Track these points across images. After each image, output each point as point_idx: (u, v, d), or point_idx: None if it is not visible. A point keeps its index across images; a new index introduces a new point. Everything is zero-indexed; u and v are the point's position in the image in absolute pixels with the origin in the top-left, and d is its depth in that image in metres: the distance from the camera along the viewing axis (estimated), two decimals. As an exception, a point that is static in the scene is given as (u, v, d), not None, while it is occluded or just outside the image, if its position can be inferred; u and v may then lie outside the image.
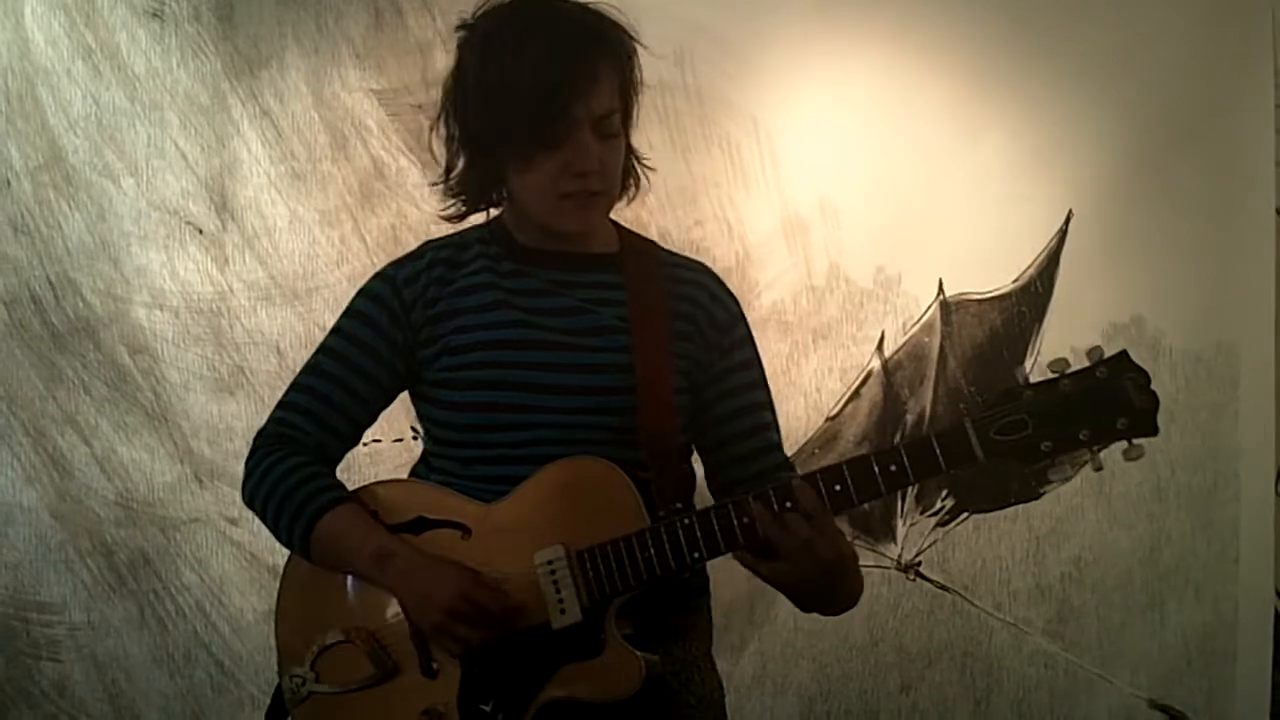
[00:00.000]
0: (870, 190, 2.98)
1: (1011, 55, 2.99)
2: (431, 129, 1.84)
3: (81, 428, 2.82)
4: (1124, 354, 1.58)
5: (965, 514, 2.99)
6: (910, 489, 2.95)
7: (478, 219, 1.89)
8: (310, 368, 1.87)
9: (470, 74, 1.76)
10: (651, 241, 1.95)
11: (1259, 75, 3.07)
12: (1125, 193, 3.02)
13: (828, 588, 1.67)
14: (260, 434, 1.87)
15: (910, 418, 2.97)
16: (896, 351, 2.99)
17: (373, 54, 2.85)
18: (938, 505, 2.98)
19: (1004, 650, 3.00)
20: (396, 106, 2.85)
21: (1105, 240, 3.02)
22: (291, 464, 1.81)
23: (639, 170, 1.88)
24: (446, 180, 1.85)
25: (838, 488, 1.62)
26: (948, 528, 2.99)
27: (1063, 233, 3.01)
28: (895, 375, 2.98)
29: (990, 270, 3.01)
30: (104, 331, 2.81)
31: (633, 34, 1.80)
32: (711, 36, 2.94)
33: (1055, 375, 1.59)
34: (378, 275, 1.88)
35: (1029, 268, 3.01)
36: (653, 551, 1.64)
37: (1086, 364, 1.58)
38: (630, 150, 1.84)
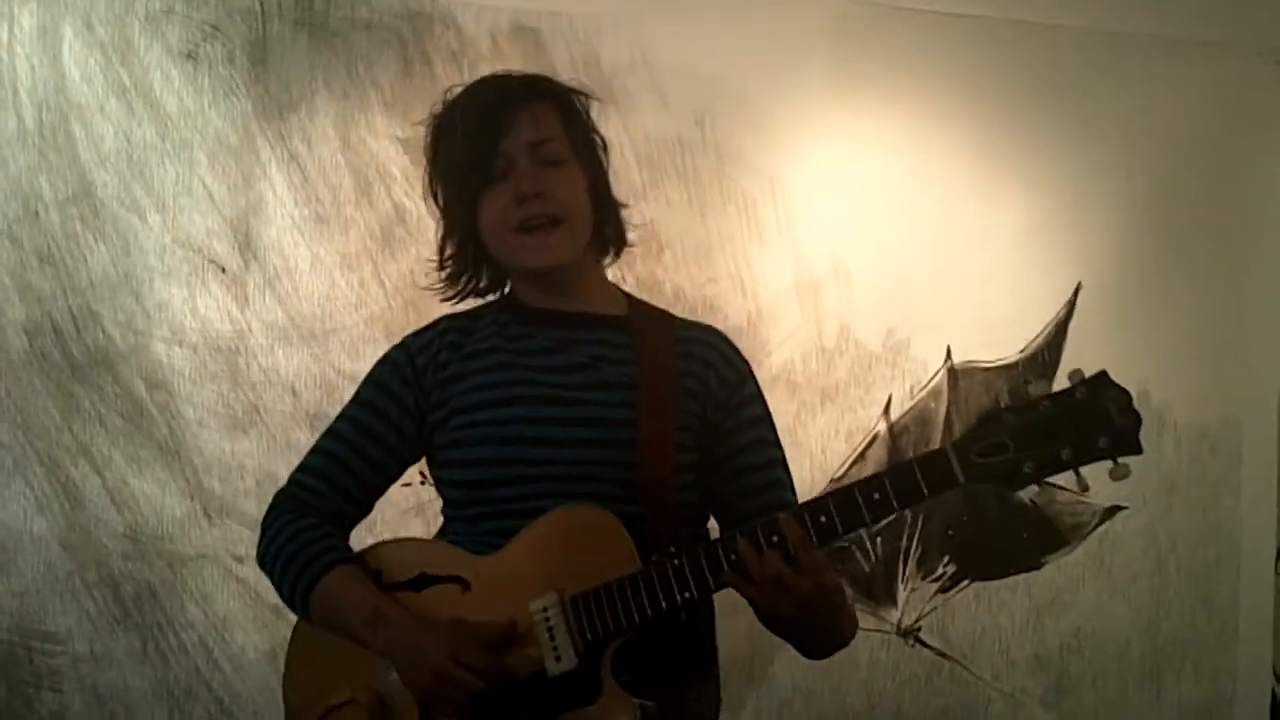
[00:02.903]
0: (883, 254, 3.02)
1: (1025, 126, 3.05)
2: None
3: (95, 459, 2.83)
4: (1103, 374, 1.57)
5: (966, 581, 3.01)
6: (912, 554, 2.97)
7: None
8: (328, 431, 1.93)
9: (433, 152, 1.90)
10: (662, 309, 1.98)
11: (1271, 149, 3.12)
12: (1134, 264, 3.07)
13: (808, 624, 1.66)
14: (277, 495, 1.92)
15: (916, 481, 2.99)
16: (903, 416, 3.02)
17: (400, 101, 2.90)
18: (939, 571, 3.00)
19: (1001, 719, 3.01)
20: (420, 155, 2.88)
21: (1113, 312, 3.06)
22: (299, 526, 1.85)
23: (621, 222, 1.92)
24: (440, 261, 1.90)
25: (823, 519, 1.62)
26: (949, 594, 3.00)
27: (1071, 303, 3.05)
28: (900, 439, 3.00)
29: (998, 338, 3.05)
30: (123, 364, 2.84)
31: (580, 87, 1.90)
32: (731, 96, 3.00)
33: (1036, 397, 1.57)
34: (397, 345, 1.94)
35: (1036, 338, 3.05)
36: (644, 593, 1.65)
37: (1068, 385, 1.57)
38: (608, 198, 1.90)
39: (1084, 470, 1.56)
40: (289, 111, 2.88)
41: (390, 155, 2.91)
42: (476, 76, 1.95)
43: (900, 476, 1.60)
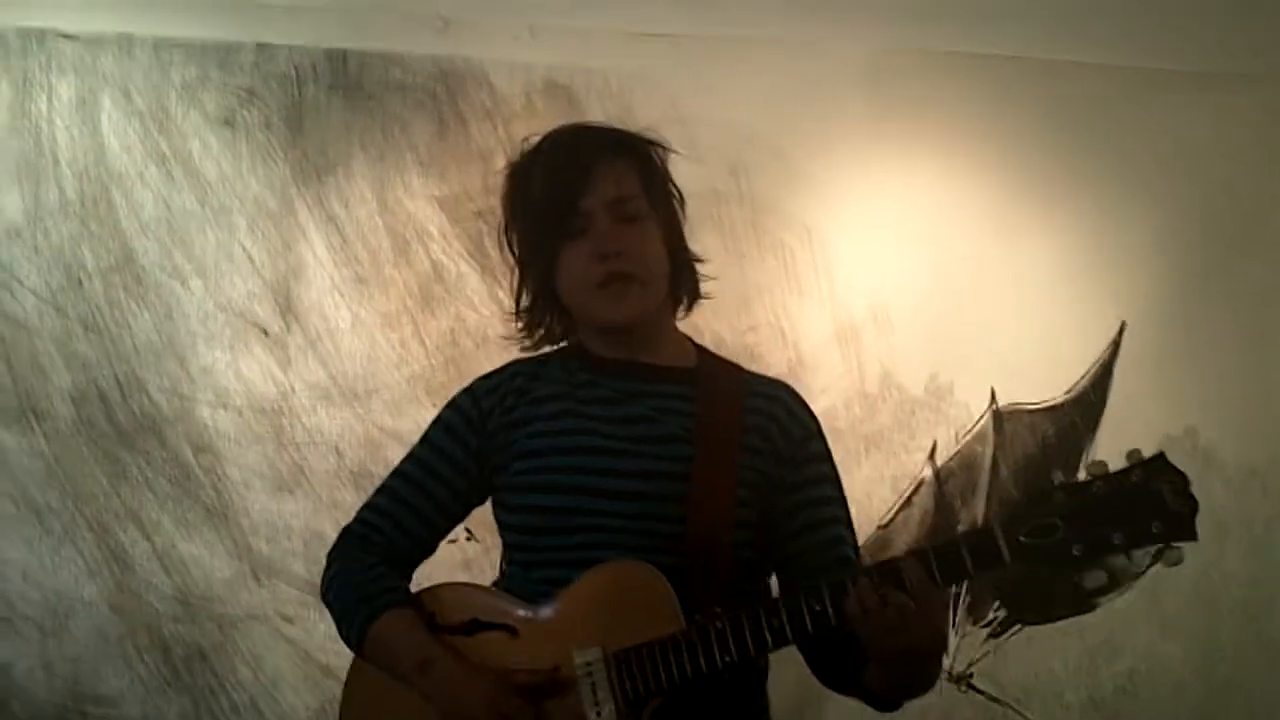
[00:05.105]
0: (923, 298, 3.01)
1: (1063, 167, 3.04)
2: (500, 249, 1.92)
3: (144, 523, 2.86)
4: (1161, 456, 1.53)
5: (1018, 625, 2.98)
6: (963, 600, 2.95)
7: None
8: (395, 472, 1.93)
9: (510, 204, 1.87)
10: (733, 363, 1.96)
11: (1313, 189, 3.10)
12: (1179, 304, 3.05)
13: (911, 667, 1.65)
14: (343, 532, 1.93)
15: (962, 527, 2.97)
16: (949, 460, 3.00)
17: (436, 161, 2.92)
18: (990, 616, 2.98)
19: (1056, 763, 2.99)
20: (458, 213, 2.92)
21: (1158, 351, 3.03)
22: (362, 564, 1.86)
23: (695, 275, 1.91)
24: (517, 312, 1.91)
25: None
26: (1000, 639, 2.98)
27: (1116, 344, 3.03)
28: (947, 484, 2.99)
29: (1043, 380, 3.03)
30: (169, 429, 2.87)
31: (657, 139, 1.86)
32: (766, 146, 3.01)
33: (1090, 478, 1.54)
34: (464, 389, 1.94)
35: (1082, 379, 3.03)
36: (685, 654, 1.64)
37: (1124, 465, 1.54)
38: (684, 252, 1.88)
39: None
40: (326, 174, 2.91)
41: (428, 215, 2.93)
42: (510, 135, 1.94)
43: (945, 554, 1.58)
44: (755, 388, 1.89)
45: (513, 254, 1.90)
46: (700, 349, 1.93)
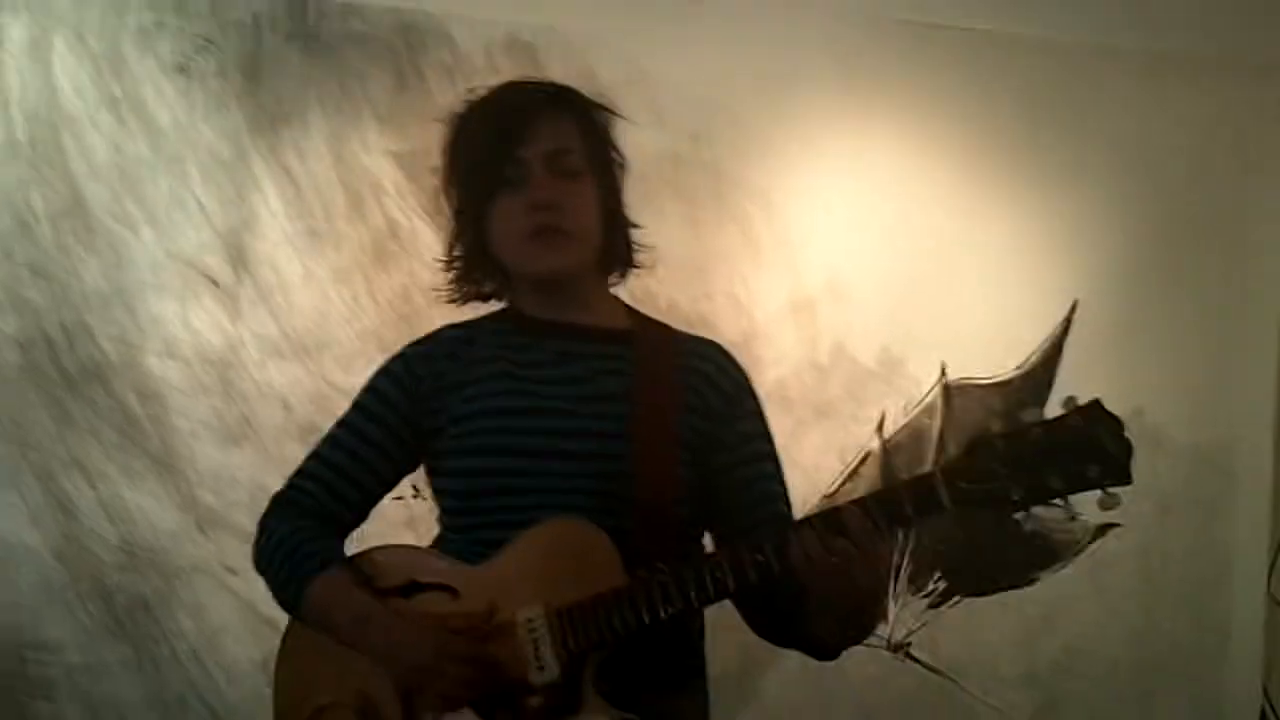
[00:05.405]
0: (879, 272, 3.01)
1: (1023, 145, 3.04)
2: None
3: (89, 472, 2.84)
4: (1097, 402, 1.55)
5: (957, 597, 3.01)
6: (904, 570, 2.97)
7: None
8: (327, 438, 1.93)
9: (450, 152, 1.89)
10: (664, 324, 1.97)
11: (1268, 167, 3.10)
12: (1131, 284, 3.06)
13: (854, 611, 1.68)
14: (275, 497, 1.92)
15: (908, 497, 2.99)
16: (897, 433, 3.02)
17: (394, 117, 2.89)
18: (930, 587, 3.01)
19: (990, 735, 3.03)
20: (414, 169, 2.89)
21: (1109, 331, 3.05)
22: (295, 527, 1.85)
23: (631, 242, 1.91)
24: (449, 262, 1.90)
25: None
26: (939, 610, 3.01)
27: (1067, 321, 3.04)
28: (894, 456, 3.00)
29: (994, 356, 3.04)
30: (116, 378, 2.84)
31: (605, 103, 1.88)
32: (730, 116, 2.99)
33: (1028, 424, 1.56)
34: (396, 355, 1.94)
35: (1032, 355, 3.04)
36: (627, 607, 1.66)
37: (1061, 412, 1.56)
38: (621, 217, 1.89)
39: (1073, 497, 1.55)
40: (282, 125, 2.87)
41: (383, 170, 2.90)
42: (471, 90, 1.93)
43: (886, 499, 1.61)
44: (688, 347, 1.90)
45: (450, 205, 1.90)
46: (631, 310, 1.94)
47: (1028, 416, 1.57)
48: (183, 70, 2.85)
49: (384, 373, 1.92)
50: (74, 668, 2.85)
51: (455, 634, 1.70)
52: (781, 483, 1.91)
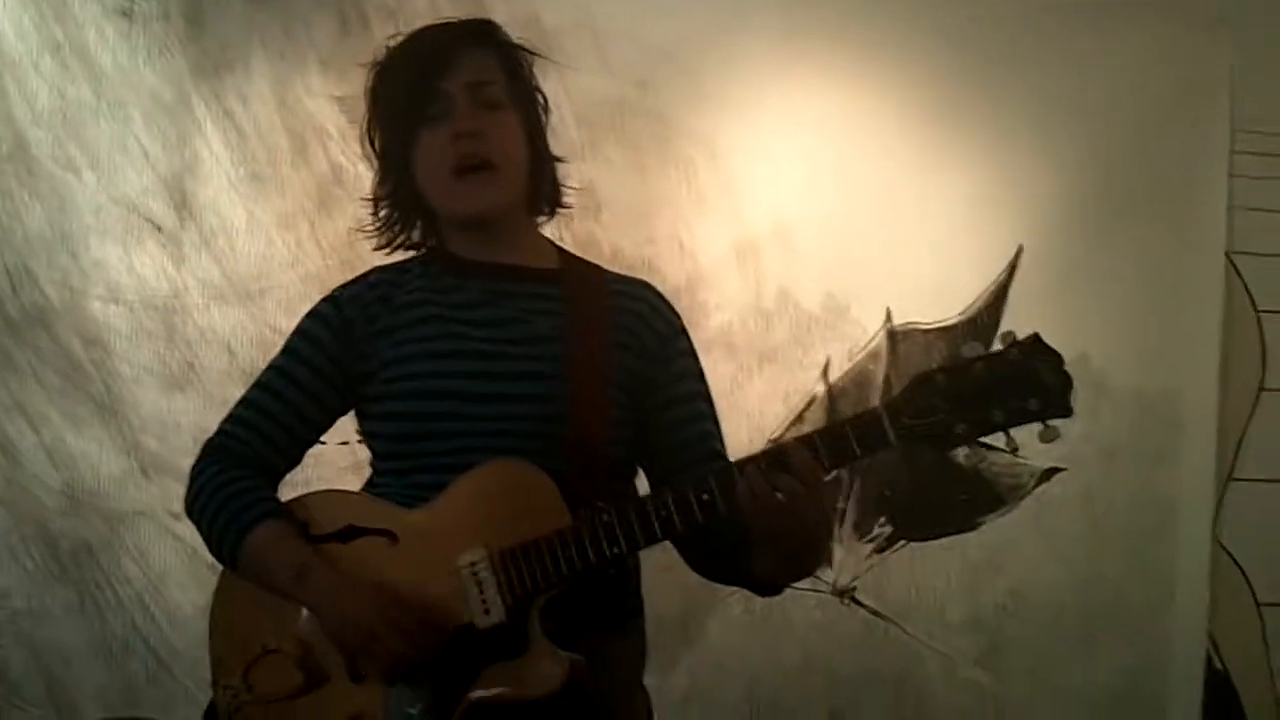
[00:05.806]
0: (823, 217, 3.02)
1: (968, 92, 3.03)
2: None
3: (31, 416, 2.85)
4: (1036, 336, 1.58)
5: (902, 542, 3.02)
6: (848, 515, 2.98)
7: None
8: (256, 383, 1.92)
9: (372, 95, 1.89)
10: (594, 263, 1.98)
11: (1215, 120, 3.11)
12: (1076, 231, 3.06)
13: (799, 548, 1.67)
14: (206, 444, 1.90)
15: (852, 443, 2.99)
16: (842, 378, 3.02)
17: (337, 61, 2.89)
18: (875, 531, 3.01)
19: (935, 679, 3.02)
20: (357, 114, 2.84)
21: (1054, 277, 3.05)
22: (228, 476, 1.83)
23: (557, 178, 1.91)
24: (375, 203, 1.90)
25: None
26: (884, 554, 3.01)
27: (1012, 267, 3.04)
28: (839, 401, 3.00)
29: (938, 301, 3.04)
30: (59, 322, 2.85)
31: (523, 43, 1.89)
32: (675, 62, 3.00)
33: (969, 359, 1.59)
34: (325, 298, 1.93)
35: (976, 300, 3.04)
36: (573, 548, 1.66)
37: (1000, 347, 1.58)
38: (546, 152, 1.89)
39: (1015, 433, 1.57)
40: (225, 70, 2.88)
41: (327, 114, 2.91)
42: (392, 38, 1.93)
43: (832, 437, 1.61)
44: (619, 287, 1.90)
45: (374, 149, 1.90)
46: (561, 250, 1.94)
47: (968, 352, 1.59)
48: (125, 14, 2.85)
49: (313, 315, 1.91)
50: (17, 612, 2.86)
51: (396, 601, 1.69)
52: (715, 423, 1.91)
